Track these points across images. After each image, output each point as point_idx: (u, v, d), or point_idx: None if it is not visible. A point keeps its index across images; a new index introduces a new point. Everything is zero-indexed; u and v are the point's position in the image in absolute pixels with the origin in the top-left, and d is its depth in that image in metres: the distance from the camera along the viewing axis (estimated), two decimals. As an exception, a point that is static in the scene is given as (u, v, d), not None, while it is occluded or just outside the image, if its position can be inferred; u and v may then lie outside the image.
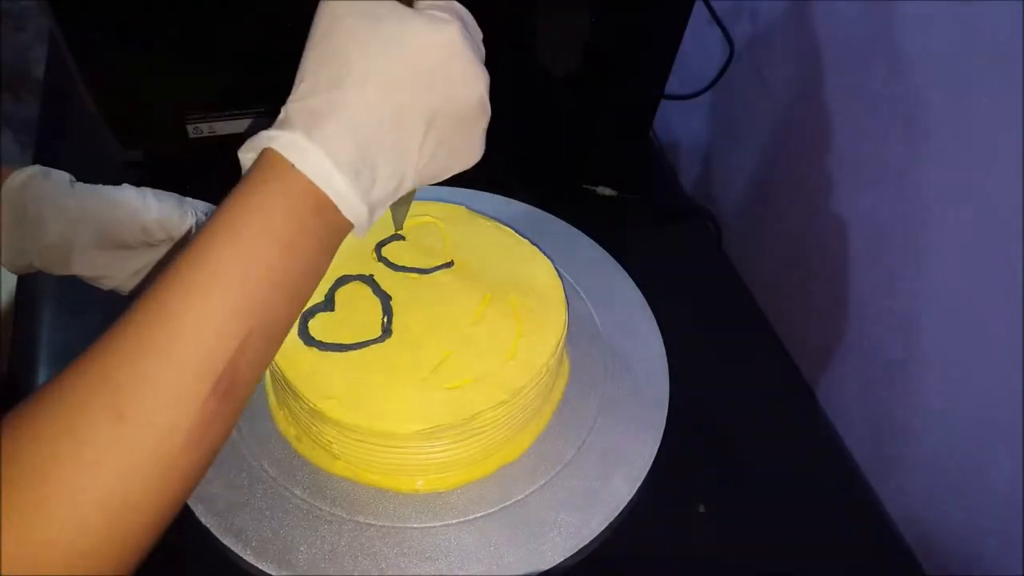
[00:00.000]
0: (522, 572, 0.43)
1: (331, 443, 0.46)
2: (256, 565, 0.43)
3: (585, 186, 0.75)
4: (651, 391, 0.54)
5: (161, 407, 0.27)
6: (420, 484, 0.46)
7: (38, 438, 0.26)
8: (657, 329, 0.58)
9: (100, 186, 0.46)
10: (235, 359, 0.29)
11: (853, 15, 0.62)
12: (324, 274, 0.33)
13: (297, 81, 0.32)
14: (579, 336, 0.56)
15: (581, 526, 0.46)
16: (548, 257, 0.55)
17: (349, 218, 0.31)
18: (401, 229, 0.53)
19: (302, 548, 0.43)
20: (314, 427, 0.46)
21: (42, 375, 0.55)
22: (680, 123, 0.92)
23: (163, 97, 0.67)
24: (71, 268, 0.46)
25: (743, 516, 0.51)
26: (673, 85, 0.73)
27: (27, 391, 0.53)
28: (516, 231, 0.56)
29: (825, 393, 0.70)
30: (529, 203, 0.68)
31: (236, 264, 0.29)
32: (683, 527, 0.50)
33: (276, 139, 0.31)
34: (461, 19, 0.33)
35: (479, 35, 0.35)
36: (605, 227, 0.66)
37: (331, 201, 0.31)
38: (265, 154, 0.31)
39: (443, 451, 0.45)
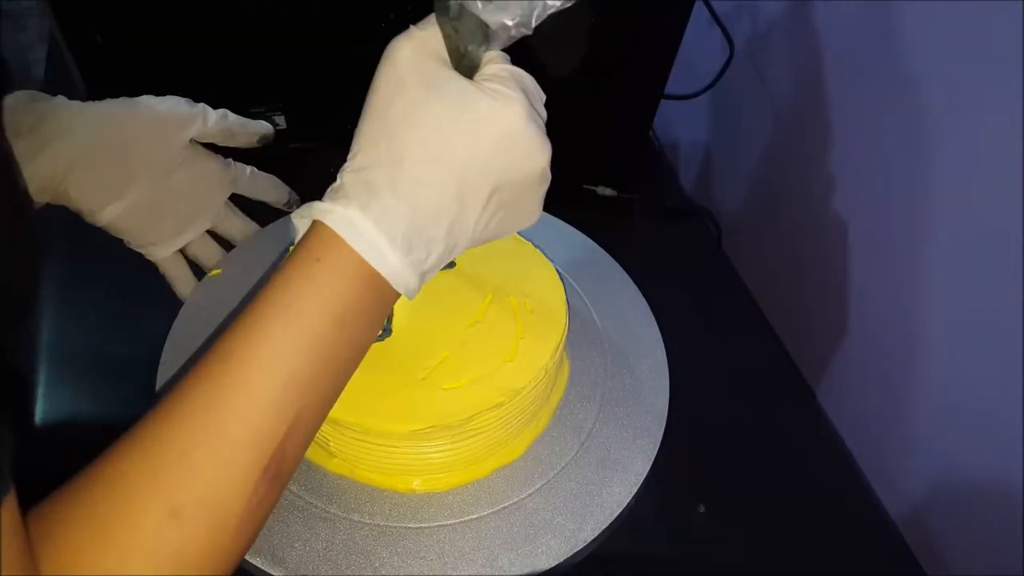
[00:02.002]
0: (516, 574, 0.43)
1: (328, 441, 0.46)
2: (250, 560, 0.42)
3: (585, 186, 0.75)
4: (651, 392, 0.53)
5: (214, 497, 0.27)
6: (417, 484, 0.46)
7: (88, 522, 0.26)
8: (657, 330, 0.58)
9: (94, 102, 0.45)
10: (284, 441, 0.29)
11: (853, 15, 0.62)
12: (371, 345, 0.33)
13: (354, 149, 0.32)
14: (579, 337, 0.56)
15: (577, 530, 0.45)
16: (549, 259, 0.55)
17: (399, 290, 0.32)
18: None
19: (296, 545, 0.43)
20: (311, 426, 0.46)
21: (42, 375, 0.55)
22: (680, 123, 0.91)
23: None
24: (98, 200, 0.44)
25: (743, 517, 0.51)
26: (673, 85, 0.73)
27: (27, 391, 0.53)
28: (518, 232, 0.56)
29: (825, 393, 0.69)
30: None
31: (287, 342, 0.29)
32: (681, 529, 0.50)
33: (330, 213, 0.30)
34: (525, 90, 0.33)
35: (542, 98, 0.34)
36: (605, 227, 0.65)
37: (382, 276, 0.31)
38: (318, 226, 0.31)
39: (440, 452, 0.45)
